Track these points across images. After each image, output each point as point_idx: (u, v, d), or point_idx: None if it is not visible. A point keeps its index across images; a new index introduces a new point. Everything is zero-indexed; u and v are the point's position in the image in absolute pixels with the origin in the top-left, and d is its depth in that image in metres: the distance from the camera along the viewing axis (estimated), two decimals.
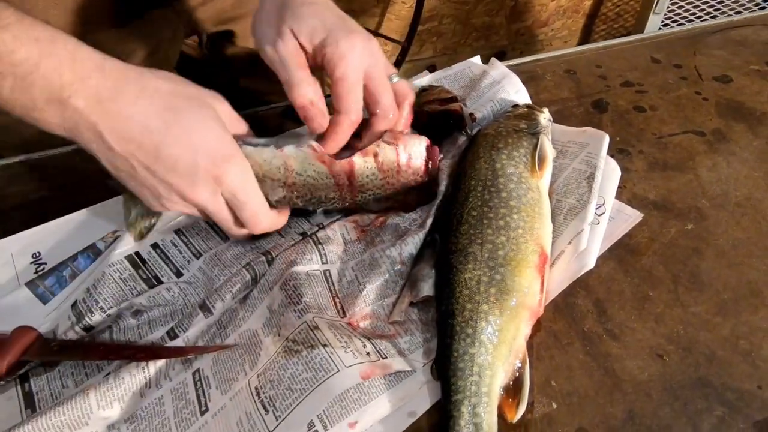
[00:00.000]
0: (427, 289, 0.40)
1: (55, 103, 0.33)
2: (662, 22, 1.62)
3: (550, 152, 0.47)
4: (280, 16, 0.39)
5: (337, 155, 0.41)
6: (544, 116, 0.51)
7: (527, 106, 0.52)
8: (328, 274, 0.41)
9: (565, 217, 0.44)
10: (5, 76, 0.32)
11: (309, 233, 0.44)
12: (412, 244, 0.42)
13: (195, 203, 0.37)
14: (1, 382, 0.36)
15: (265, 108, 0.59)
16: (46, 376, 0.38)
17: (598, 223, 0.44)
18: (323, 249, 0.42)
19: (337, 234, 0.44)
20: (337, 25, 0.39)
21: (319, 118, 0.40)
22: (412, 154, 0.42)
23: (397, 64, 1.61)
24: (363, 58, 0.39)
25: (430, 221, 0.44)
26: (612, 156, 0.49)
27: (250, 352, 0.36)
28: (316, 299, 0.38)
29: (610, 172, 0.48)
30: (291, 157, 0.39)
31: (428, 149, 0.43)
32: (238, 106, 0.63)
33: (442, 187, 0.47)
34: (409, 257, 0.42)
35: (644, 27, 1.63)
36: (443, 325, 0.37)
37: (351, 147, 0.42)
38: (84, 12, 0.52)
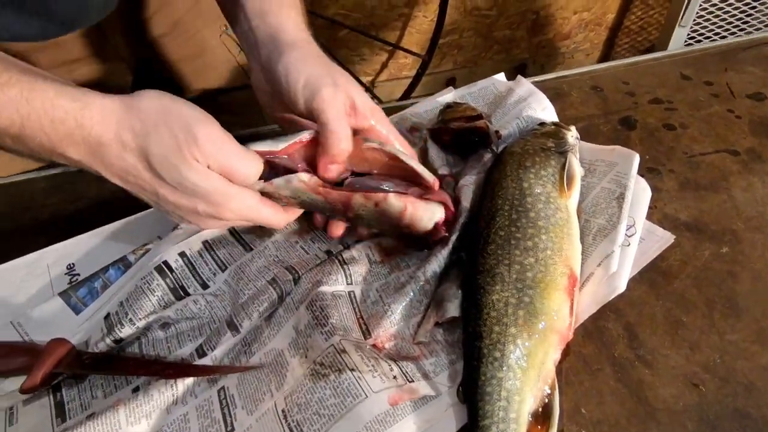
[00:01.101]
0: (453, 309, 0.39)
1: (55, 155, 0.35)
2: (688, 35, 1.60)
3: (578, 171, 0.46)
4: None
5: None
6: (572, 134, 0.50)
7: (554, 123, 0.52)
8: (353, 295, 0.41)
9: (594, 238, 0.43)
10: (2, 136, 0.34)
11: (334, 252, 0.44)
12: (435, 263, 0.42)
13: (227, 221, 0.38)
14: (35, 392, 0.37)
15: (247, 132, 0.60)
16: (78, 386, 0.39)
17: (629, 245, 0.43)
18: (348, 269, 0.42)
19: (362, 255, 0.44)
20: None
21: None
22: (419, 220, 0.40)
23: (417, 77, 1.62)
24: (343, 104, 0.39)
25: (454, 239, 0.44)
26: (642, 175, 0.48)
27: (276, 373, 0.36)
28: (342, 320, 0.38)
29: (640, 192, 0.47)
30: (281, 188, 0.39)
31: (441, 221, 0.41)
32: None
33: (467, 204, 0.46)
34: (433, 275, 0.42)
35: (669, 41, 1.61)
36: (470, 348, 0.36)
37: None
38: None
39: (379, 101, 1.64)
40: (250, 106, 0.75)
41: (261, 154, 0.38)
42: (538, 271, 0.38)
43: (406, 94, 1.65)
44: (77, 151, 0.34)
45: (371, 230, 0.44)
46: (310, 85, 0.38)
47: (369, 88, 1.68)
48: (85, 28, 0.51)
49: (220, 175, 0.36)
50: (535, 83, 0.61)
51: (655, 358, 0.38)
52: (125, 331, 0.40)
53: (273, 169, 0.39)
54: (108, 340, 0.39)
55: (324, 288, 0.40)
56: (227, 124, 0.74)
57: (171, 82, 0.65)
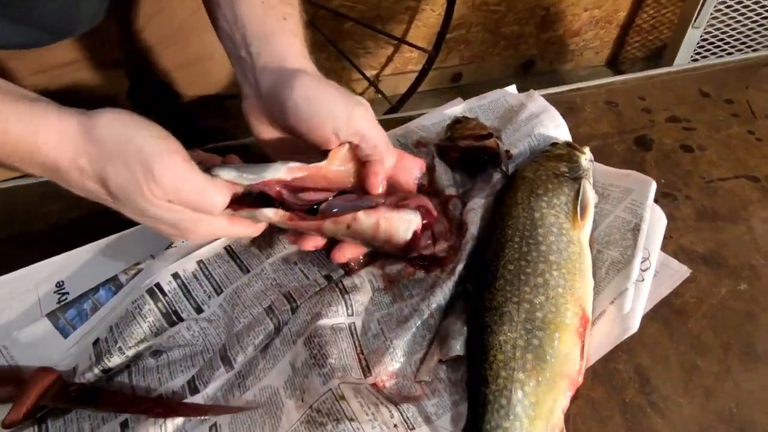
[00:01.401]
0: (458, 347, 0.37)
1: (21, 171, 0.33)
2: (701, 37, 1.56)
3: (592, 199, 0.44)
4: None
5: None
6: (586, 157, 0.48)
7: (567, 144, 0.49)
8: (353, 327, 0.39)
9: (607, 272, 0.41)
10: None
11: (335, 278, 0.42)
12: (441, 295, 0.40)
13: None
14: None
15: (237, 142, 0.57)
16: (64, 418, 0.37)
17: (643, 280, 0.41)
18: (350, 299, 0.40)
19: (365, 281, 0.42)
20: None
21: None
22: (395, 232, 0.38)
23: (423, 72, 1.58)
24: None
25: (460, 268, 0.42)
26: (656, 201, 0.46)
27: (270, 414, 0.34)
28: (341, 359, 0.36)
29: (655, 221, 0.44)
30: (249, 218, 0.37)
31: (415, 236, 0.38)
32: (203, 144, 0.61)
33: (474, 230, 0.44)
34: (437, 308, 0.40)
35: (681, 41, 1.57)
36: (474, 393, 0.35)
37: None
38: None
39: (383, 96, 1.61)
40: None
41: (230, 184, 0.36)
42: (549, 311, 0.36)
43: (411, 90, 1.61)
44: (38, 172, 0.33)
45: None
46: (340, 105, 0.36)
47: (373, 83, 1.64)
48: (79, 34, 0.48)
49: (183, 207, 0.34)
50: (548, 96, 0.59)
51: (667, 405, 0.36)
52: (114, 361, 0.38)
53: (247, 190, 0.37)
54: (96, 370, 0.38)
55: (323, 321, 0.38)
56: (232, 131, 0.72)
57: (170, 89, 0.63)
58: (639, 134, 0.57)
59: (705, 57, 1.59)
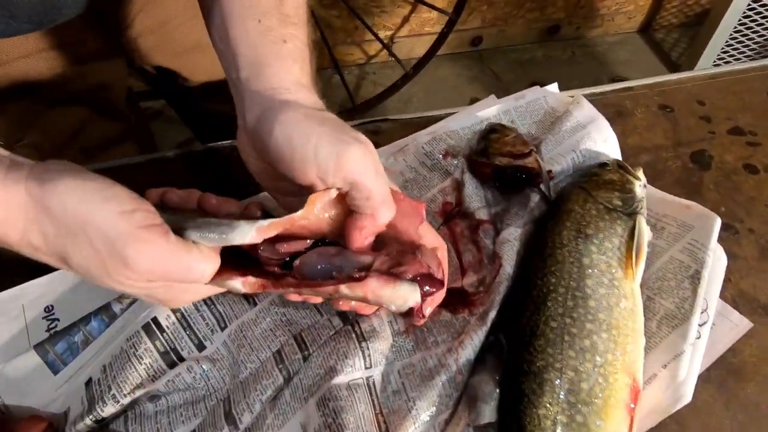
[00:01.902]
0: (489, 413, 0.33)
1: None
2: (748, 6, 1.41)
3: (646, 239, 0.38)
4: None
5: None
6: (640, 184, 0.42)
7: (619, 165, 0.43)
8: (371, 382, 0.35)
9: (659, 326, 0.37)
10: None
11: (351, 319, 0.37)
12: (470, 347, 0.36)
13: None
14: None
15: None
16: None
17: (699, 337, 0.36)
18: (367, 348, 0.36)
19: (384, 323, 0.38)
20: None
21: None
22: (388, 306, 0.31)
23: (442, 35, 1.47)
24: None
25: (493, 315, 0.37)
26: None
27: None
28: (359, 428, 0.32)
29: (715, 263, 0.39)
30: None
31: (417, 306, 0.31)
32: (212, 127, 0.55)
33: (509, 269, 0.39)
34: (466, 363, 0.36)
35: (726, 9, 1.43)
36: None
37: None
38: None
39: (397, 60, 1.50)
40: None
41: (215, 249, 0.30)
42: (596, 382, 0.32)
43: (429, 54, 1.50)
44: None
45: None
46: (327, 145, 0.29)
47: (386, 45, 1.53)
48: (81, 18, 0.42)
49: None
50: (592, 97, 0.52)
51: None
52: (108, 410, 0.35)
53: None
54: (88, 420, 0.34)
55: (338, 379, 0.34)
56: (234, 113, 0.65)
57: (174, 76, 0.57)
58: (697, 148, 0.50)
59: (751, 28, 1.46)
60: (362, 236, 0.31)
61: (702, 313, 0.37)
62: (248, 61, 0.31)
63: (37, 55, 0.47)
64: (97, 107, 0.54)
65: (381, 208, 0.30)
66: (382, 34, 1.54)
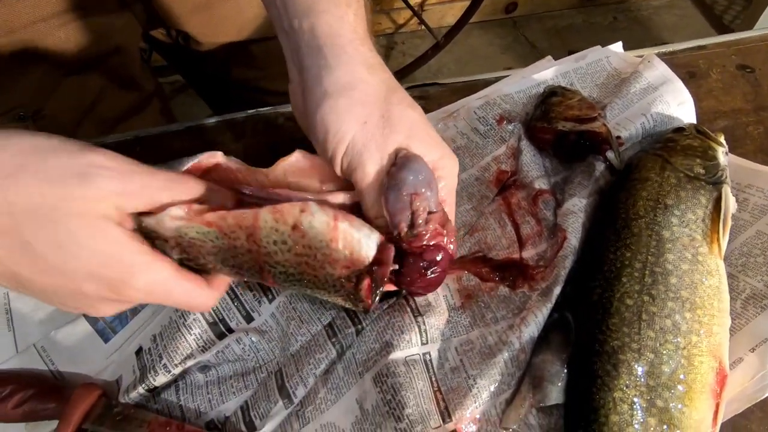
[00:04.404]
0: (555, 394, 0.31)
1: None
2: None
3: (732, 210, 0.35)
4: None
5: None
6: (723, 150, 0.38)
7: (698, 130, 0.39)
8: (428, 358, 0.33)
9: (745, 306, 0.33)
10: None
11: (404, 293, 0.35)
12: (534, 324, 0.34)
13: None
14: None
15: (267, 109, 0.49)
16: None
17: None
18: (423, 323, 0.34)
19: (439, 297, 0.35)
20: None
21: None
22: (356, 244, 0.27)
23: (476, 2, 1.39)
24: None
25: (557, 290, 0.35)
26: None
27: None
28: (418, 405, 0.31)
29: None
30: (159, 228, 0.27)
31: (381, 251, 0.28)
32: (228, 98, 0.52)
33: (575, 242, 0.36)
34: (530, 341, 0.33)
35: None
36: None
37: None
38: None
39: (428, 28, 1.44)
40: (277, 58, 0.64)
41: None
42: (679, 364, 0.29)
43: (461, 22, 1.43)
44: None
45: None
46: (350, 152, 0.28)
47: (416, 12, 1.46)
48: None
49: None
50: (662, 56, 0.47)
51: None
52: (159, 380, 0.34)
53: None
54: (141, 389, 0.34)
55: (395, 355, 0.32)
56: (260, 80, 0.63)
57: (189, 35, 0.54)
58: None
59: None
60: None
61: None
62: (302, 9, 0.29)
63: (51, 20, 0.45)
64: (113, 75, 0.52)
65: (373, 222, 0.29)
66: (411, 1, 1.47)
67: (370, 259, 0.28)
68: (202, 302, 0.29)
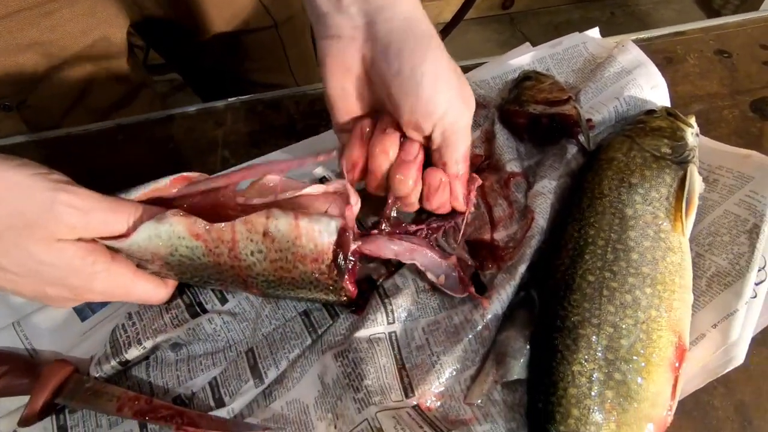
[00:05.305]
0: (518, 370, 0.32)
1: None
2: None
3: (698, 190, 0.35)
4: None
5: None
6: (693, 131, 0.38)
7: (668, 113, 0.39)
8: (394, 337, 0.34)
9: (709, 284, 0.34)
10: None
11: (375, 277, 0.36)
12: (498, 302, 0.34)
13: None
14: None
15: (247, 97, 0.51)
16: (81, 411, 0.35)
17: (755, 296, 0.33)
18: (390, 304, 0.34)
19: (408, 282, 0.36)
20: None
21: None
22: (317, 235, 0.30)
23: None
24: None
25: (522, 269, 0.35)
26: None
27: None
28: (379, 378, 0.31)
29: None
30: (151, 239, 0.30)
31: (341, 234, 0.30)
32: (223, 92, 0.53)
33: (543, 222, 0.37)
34: (493, 318, 0.34)
35: None
36: (537, 430, 0.29)
37: None
38: None
39: None
40: (271, 50, 0.64)
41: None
42: (637, 338, 0.29)
43: (457, 18, 1.44)
44: None
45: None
46: (449, 113, 0.31)
47: None
48: None
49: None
50: (640, 43, 0.47)
51: None
52: (132, 353, 0.35)
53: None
54: (113, 362, 0.35)
55: (360, 333, 0.33)
56: (251, 72, 0.63)
57: (177, 24, 0.55)
58: (758, 96, 0.45)
59: None
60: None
61: (760, 271, 0.33)
62: None
63: (36, 8, 0.46)
64: (100, 65, 0.53)
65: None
66: None
67: (333, 244, 0.30)
68: (159, 299, 0.33)
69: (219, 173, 0.34)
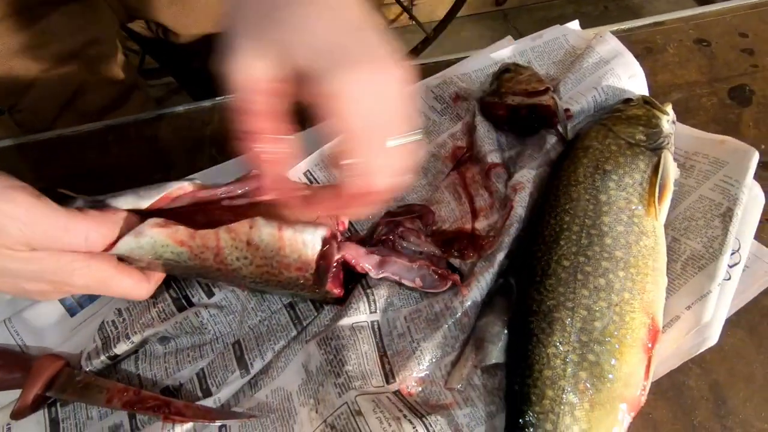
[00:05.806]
0: (496, 354, 0.32)
1: None
2: None
3: (672, 175, 0.35)
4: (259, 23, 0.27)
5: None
6: (668, 119, 0.38)
7: (645, 101, 0.40)
8: (376, 326, 0.34)
9: (684, 268, 0.34)
10: None
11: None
12: (477, 289, 0.35)
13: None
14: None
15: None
16: (73, 404, 0.36)
17: (729, 278, 0.33)
18: (372, 294, 0.35)
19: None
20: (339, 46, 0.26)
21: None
22: (302, 246, 0.30)
23: None
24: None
25: (501, 257, 0.36)
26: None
27: (282, 422, 0.31)
28: (360, 365, 0.32)
29: (750, 201, 0.36)
30: (134, 248, 0.30)
31: (324, 245, 0.30)
32: (216, 94, 0.53)
33: (521, 211, 0.37)
34: (473, 305, 0.34)
35: None
36: (514, 412, 0.30)
37: None
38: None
39: (418, 23, 1.45)
40: None
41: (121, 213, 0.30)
42: (611, 320, 0.30)
43: (450, 15, 1.44)
44: None
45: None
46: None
47: (406, 8, 1.48)
48: None
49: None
50: (620, 33, 0.48)
51: (746, 431, 0.31)
52: (121, 347, 0.36)
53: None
54: (103, 356, 0.35)
55: (343, 321, 0.33)
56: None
57: (165, 29, 0.56)
58: (736, 83, 0.45)
59: None
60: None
61: (733, 254, 0.34)
62: None
63: (27, 12, 0.46)
64: (92, 68, 0.53)
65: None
66: None
67: (317, 256, 0.30)
68: (140, 295, 0.32)
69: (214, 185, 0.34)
